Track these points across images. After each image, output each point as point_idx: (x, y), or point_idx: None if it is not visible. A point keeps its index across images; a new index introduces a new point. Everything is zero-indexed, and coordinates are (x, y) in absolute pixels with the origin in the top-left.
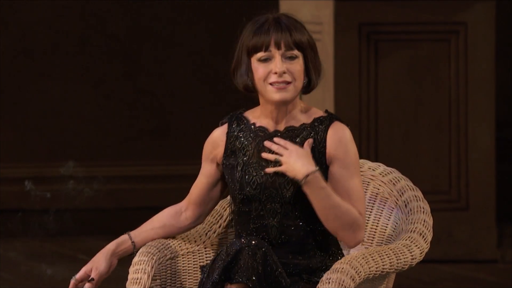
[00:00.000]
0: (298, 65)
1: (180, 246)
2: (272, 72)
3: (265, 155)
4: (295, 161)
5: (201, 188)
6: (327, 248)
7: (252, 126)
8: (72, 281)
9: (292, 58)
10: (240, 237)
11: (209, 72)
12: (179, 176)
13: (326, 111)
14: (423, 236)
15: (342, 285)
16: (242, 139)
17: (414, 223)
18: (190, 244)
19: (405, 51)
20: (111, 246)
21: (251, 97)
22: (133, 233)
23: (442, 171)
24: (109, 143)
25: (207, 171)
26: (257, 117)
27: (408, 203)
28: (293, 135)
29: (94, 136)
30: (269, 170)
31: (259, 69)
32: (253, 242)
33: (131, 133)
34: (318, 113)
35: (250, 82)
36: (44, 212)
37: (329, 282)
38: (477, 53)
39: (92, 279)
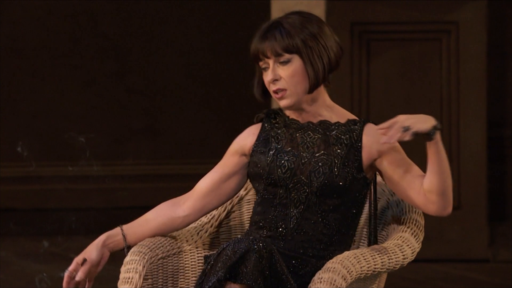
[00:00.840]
0: (291, 69)
1: (171, 246)
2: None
3: (381, 125)
4: (414, 117)
5: (213, 178)
6: (338, 252)
7: (287, 119)
8: (66, 274)
9: (285, 62)
10: (259, 227)
11: (200, 72)
12: (170, 176)
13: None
14: (414, 236)
15: (333, 284)
16: (277, 129)
17: (405, 223)
18: (182, 243)
19: (396, 51)
20: (102, 237)
21: (242, 99)
22: (126, 226)
23: None
24: (100, 143)
25: (225, 162)
26: (288, 113)
27: (399, 202)
28: (327, 128)
29: (85, 135)
30: (399, 135)
31: (264, 79)
32: (261, 244)
33: (123, 133)
34: (351, 116)
35: (260, 91)
36: (36, 211)
37: (320, 282)
38: (468, 52)
39: (85, 260)
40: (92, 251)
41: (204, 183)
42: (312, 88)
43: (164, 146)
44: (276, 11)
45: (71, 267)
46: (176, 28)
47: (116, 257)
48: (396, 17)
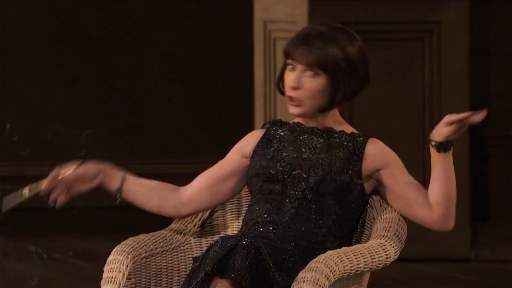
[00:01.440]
0: (315, 84)
1: (155, 245)
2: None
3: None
4: None
5: (212, 174)
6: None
7: (292, 124)
8: (55, 170)
9: (313, 74)
10: (252, 224)
11: (184, 71)
12: (154, 176)
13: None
14: (397, 236)
15: (316, 283)
16: (281, 132)
17: (389, 222)
18: (165, 243)
19: (379, 50)
20: (106, 164)
21: (225, 98)
22: (129, 176)
23: (416, 170)
24: (83, 142)
25: (226, 161)
26: (295, 119)
27: (382, 201)
28: (331, 135)
29: (69, 133)
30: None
31: (286, 76)
32: (248, 240)
33: (106, 132)
34: (356, 131)
35: (281, 87)
36: (18, 211)
37: (303, 281)
38: (451, 52)
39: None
40: (91, 163)
41: (202, 178)
42: (324, 109)
43: (147, 145)
44: (259, 11)
45: (63, 168)
46: (159, 28)
47: (99, 256)
48: (378, 17)
